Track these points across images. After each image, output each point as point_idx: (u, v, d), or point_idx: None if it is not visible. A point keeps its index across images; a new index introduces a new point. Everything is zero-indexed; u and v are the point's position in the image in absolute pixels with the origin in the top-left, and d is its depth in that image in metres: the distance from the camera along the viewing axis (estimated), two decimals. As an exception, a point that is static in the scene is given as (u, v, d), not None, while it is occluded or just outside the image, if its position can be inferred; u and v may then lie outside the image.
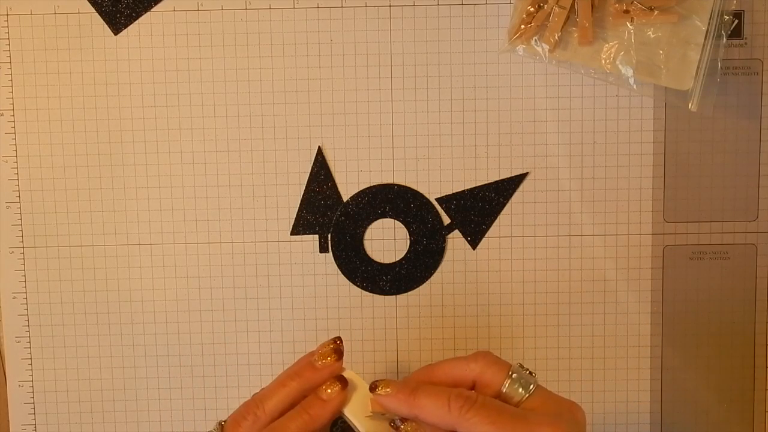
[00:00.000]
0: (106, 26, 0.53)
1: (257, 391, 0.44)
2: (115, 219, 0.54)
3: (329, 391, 0.42)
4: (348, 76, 0.53)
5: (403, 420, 0.41)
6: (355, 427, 0.42)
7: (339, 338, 0.44)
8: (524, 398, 0.40)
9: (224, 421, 0.43)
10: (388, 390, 0.41)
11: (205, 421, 0.55)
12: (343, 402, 0.42)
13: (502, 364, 0.41)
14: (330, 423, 0.43)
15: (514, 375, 0.41)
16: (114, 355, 0.55)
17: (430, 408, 0.40)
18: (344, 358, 0.43)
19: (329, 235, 0.54)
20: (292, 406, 0.42)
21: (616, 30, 0.49)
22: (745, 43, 0.52)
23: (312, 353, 0.43)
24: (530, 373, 0.41)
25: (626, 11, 0.48)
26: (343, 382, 0.42)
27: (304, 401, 0.42)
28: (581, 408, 0.41)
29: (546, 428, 0.38)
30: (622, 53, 0.49)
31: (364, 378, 0.43)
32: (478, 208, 0.54)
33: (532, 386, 0.40)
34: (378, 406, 0.41)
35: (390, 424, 0.41)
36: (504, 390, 0.41)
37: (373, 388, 0.41)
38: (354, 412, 0.42)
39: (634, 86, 0.49)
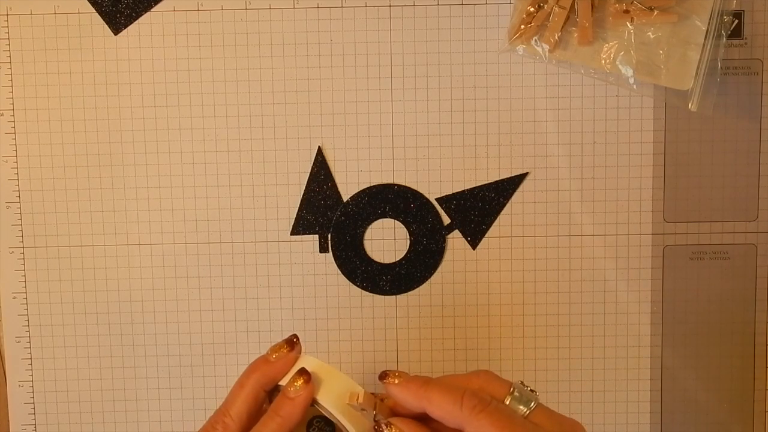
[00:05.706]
0: (106, 26, 0.53)
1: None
2: (115, 219, 0.54)
3: (293, 388, 0.41)
4: (348, 76, 0.53)
5: (389, 424, 0.40)
6: (331, 415, 0.41)
7: (294, 335, 0.43)
8: (526, 415, 0.40)
9: None
10: (398, 380, 0.40)
11: (204, 422, 0.55)
12: (311, 394, 0.41)
13: (504, 381, 0.41)
14: (305, 421, 0.42)
15: (515, 392, 0.40)
16: (114, 355, 0.55)
17: (441, 402, 0.39)
18: (344, 358, 0.43)
19: (329, 235, 0.54)
20: (256, 404, 0.42)
21: (616, 30, 0.49)
22: (745, 43, 0.52)
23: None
24: (531, 390, 0.41)
25: (626, 11, 0.48)
26: (306, 375, 0.41)
27: (273, 404, 0.41)
28: (583, 427, 0.40)
29: None
30: (622, 53, 0.49)
31: (363, 373, 0.43)
32: (478, 208, 0.54)
33: (533, 404, 0.40)
34: (353, 401, 0.41)
35: (374, 426, 0.40)
36: (507, 403, 0.40)
37: (382, 376, 0.41)
38: (328, 400, 0.41)
39: (634, 86, 0.49)
